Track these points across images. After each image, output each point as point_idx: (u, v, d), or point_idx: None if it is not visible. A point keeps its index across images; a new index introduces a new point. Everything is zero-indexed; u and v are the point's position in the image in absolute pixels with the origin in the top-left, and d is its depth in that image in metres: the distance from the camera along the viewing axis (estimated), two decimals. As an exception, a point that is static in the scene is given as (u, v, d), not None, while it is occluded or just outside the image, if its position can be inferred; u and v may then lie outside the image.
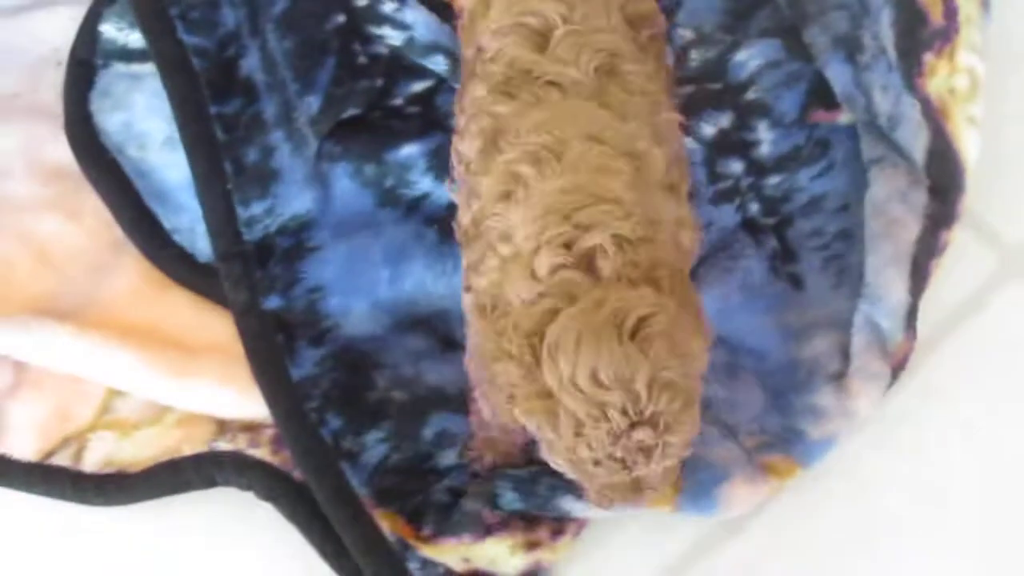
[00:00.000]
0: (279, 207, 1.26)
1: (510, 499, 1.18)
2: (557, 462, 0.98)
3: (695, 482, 1.17)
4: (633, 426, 0.89)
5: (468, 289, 1.05)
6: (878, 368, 1.19)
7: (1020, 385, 1.25)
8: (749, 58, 1.28)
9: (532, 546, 1.17)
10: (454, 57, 1.30)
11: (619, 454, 0.91)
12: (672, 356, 0.90)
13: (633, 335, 0.89)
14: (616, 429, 0.89)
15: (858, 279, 1.23)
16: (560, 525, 1.18)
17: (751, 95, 1.28)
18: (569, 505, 1.17)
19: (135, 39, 1.32)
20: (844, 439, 1.19)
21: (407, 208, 1.28)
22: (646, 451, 0.91)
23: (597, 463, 0.91)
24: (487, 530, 1.17)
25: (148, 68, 1.32)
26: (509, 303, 0.96)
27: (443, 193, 1.27)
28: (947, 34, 1.25)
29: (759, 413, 1.21)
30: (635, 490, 0.97)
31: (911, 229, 1.22)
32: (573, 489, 1.14)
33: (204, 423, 1.23)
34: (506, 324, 0.94)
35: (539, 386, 0.93)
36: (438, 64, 1.30)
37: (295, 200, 1.27)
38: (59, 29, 1.35)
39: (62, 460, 1.23)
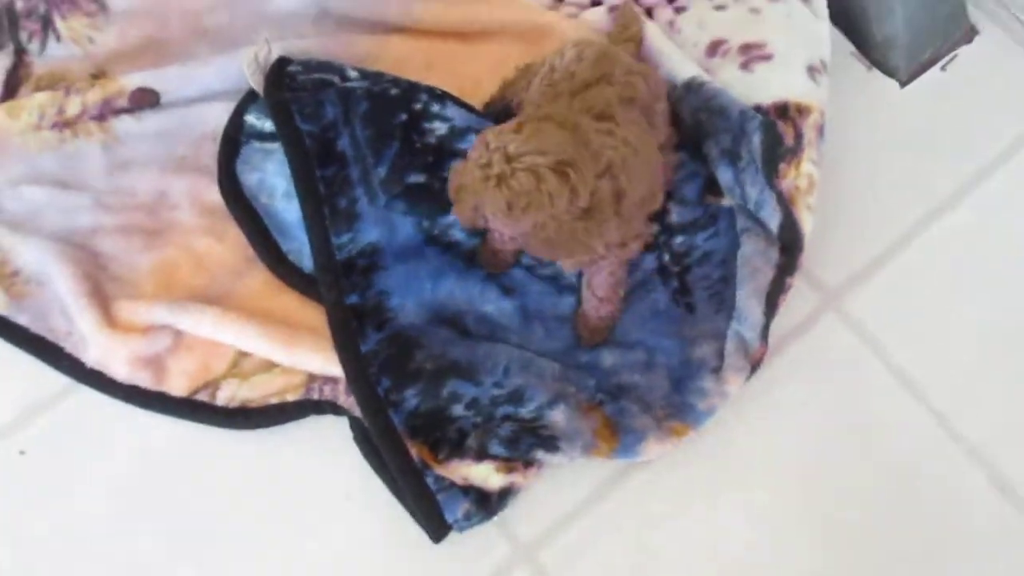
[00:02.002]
0: (358, 238, 1.33)
1: (497, 449, 1.24)
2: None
3: (624, 442, 1.24)
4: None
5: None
6: (742, 365, 1.27)
7: (828, 377, 1.31)
8: None
9: (510, 471, 1.24)
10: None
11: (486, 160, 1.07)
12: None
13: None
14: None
15: (731, 306, 1.30)
16: (530, 462, 1.25)
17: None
18: (540, 455, 1.23)
19: (268, 125, 1.40)
20: (720, 410, 1.27)
21: (445, 247, 1.35)
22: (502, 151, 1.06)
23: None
24: (480, 458, 1.24)
25: (276, 146, 1.39)
26: None
27: (469, 240, 1.34)
28: (796, 151, 1.32)
29: (666, 394, 1.29)
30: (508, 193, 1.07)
31: (767, 274, 1.29)
32: (543, 445, 1.23)
33: (299, 375, 1.31)
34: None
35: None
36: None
37: (369, 234, 1.33)
38: (217, 116, 1.43)
39: (202, 397, 1.31)
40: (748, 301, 1.29)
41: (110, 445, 1.31)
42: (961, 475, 1.28)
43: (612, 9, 1.43)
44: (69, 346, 1.33)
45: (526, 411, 1.27)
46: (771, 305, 1.29)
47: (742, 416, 1.30)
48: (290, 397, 1.30)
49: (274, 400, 1.30)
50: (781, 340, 1.33)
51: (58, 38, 1.48)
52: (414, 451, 1.25)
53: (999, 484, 1.27)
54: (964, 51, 1.50)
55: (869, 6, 1.45)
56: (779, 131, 1.31)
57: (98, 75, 1.47)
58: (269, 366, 1.32)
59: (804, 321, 1.35)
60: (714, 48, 1.39)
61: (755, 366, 1.28)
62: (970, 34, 1.51)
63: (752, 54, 1.36)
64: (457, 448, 1.25)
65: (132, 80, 1.43)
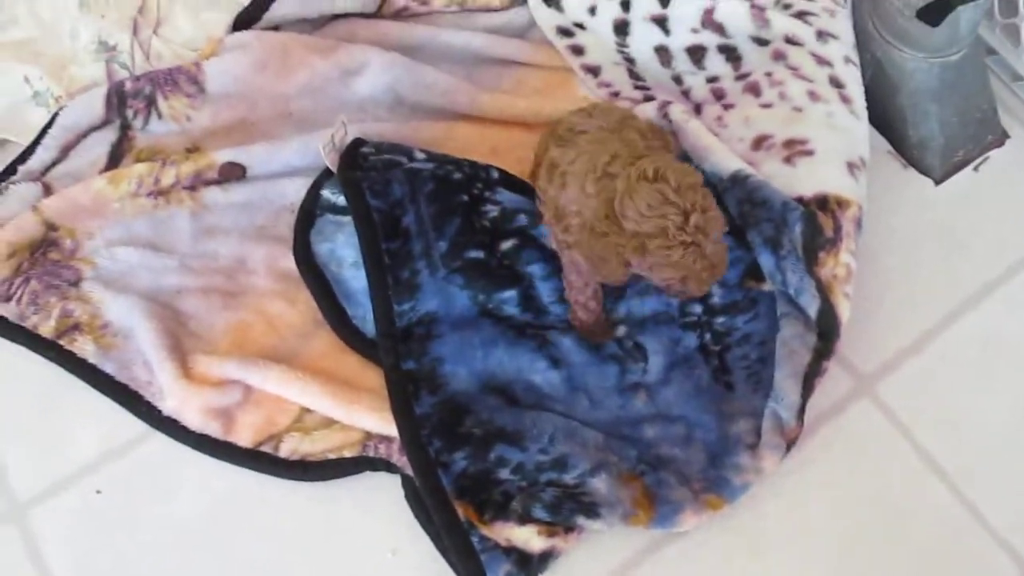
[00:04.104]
0: (418, 307, 1.30)
1: (540, 514, 1.18)
2: (662, 273, 1.08)
3: (661, 512, 1.19)
4: (686, 217, 1.03)
5: (562, 250, 1.21)
6: (778, 443, 1.21)
7: (859, 460, 1.25)
8: None
9: (551, 535, 1.18)
10: (530, 214, 1.33)
11: (688, 239, 1.04)
12: (684, 173, 1.04)
13: (655, 178, 1.05)
14: (678, 222, 1.03)
15: (769, 386, 1.24)
16: (571, 528, 1.19)
17: None
18: (581, 521, 1.18)
19: (341, 200, 1.37)
20: (754, 486, 1.21)
21: (498, 319, 1.31)
22: (701, 228, 1.04)
23: (682, 254, 1.05)
24: (523, 521, 1.19)
25: (347, 219, 1.36)
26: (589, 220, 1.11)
27: (522, 316, 1.31)
28: (834, 242, 1.25)
29: (703, 468, 1.22)
30: (711, 267, 1.09)
31: (804, 357, 1.23)
32: (584, 511, 1.18)
33: (357, 433, 1.26)
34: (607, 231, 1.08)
35: (627, 238, 1.07)
36: (521, 220, 1.33)
37: (428, 303, 1.30)
38: (295, 190, 1.42)
39: (266, 448, 1.27)
40: (785, 382, 1.23)
41: (178, 489, 1.28)
42: (988, 562, 1.20)
43: (663, 106, 1.40)
44: (148, 395, 1.31)
45: (569, 478, 1.22)
46: (807, 387, 1.23)
47: (775, 492, 1.23)
48: (347, 453, 1.26)
49: (332, 455, 1.26)
50: (815, 421, 1.26)
51: (159, 116, 1.48)
52: (461, 511, 1.19)
53: (1026, 571, 1.19)
54: (996, 154, 1.45)
55: (906, 109, 1.41)
56: (819, 222, 1.26)
57: (192, 149, 1.47)
58: (329, 423, 1.28)
59: (838, 404, 1.28)
60: (759, 143, 1.35)
61: (790, 444, 1.22)
62: (1002, 138, 1.46)
63: (795, 149, 1.32)
64: (502, 510, 1.20)
65: (222, 155, 1.43)
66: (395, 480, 1.25)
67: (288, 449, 1.27)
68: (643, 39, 1.48)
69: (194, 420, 1.29)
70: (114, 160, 1.47)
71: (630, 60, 1.50)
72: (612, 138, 1.19)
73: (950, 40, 1.35)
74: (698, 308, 1.31)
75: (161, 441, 1.30)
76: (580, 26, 1.51)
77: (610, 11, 1.49)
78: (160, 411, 1.30)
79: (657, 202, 1.04)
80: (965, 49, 1.36)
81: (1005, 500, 1.23)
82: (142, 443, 1.30)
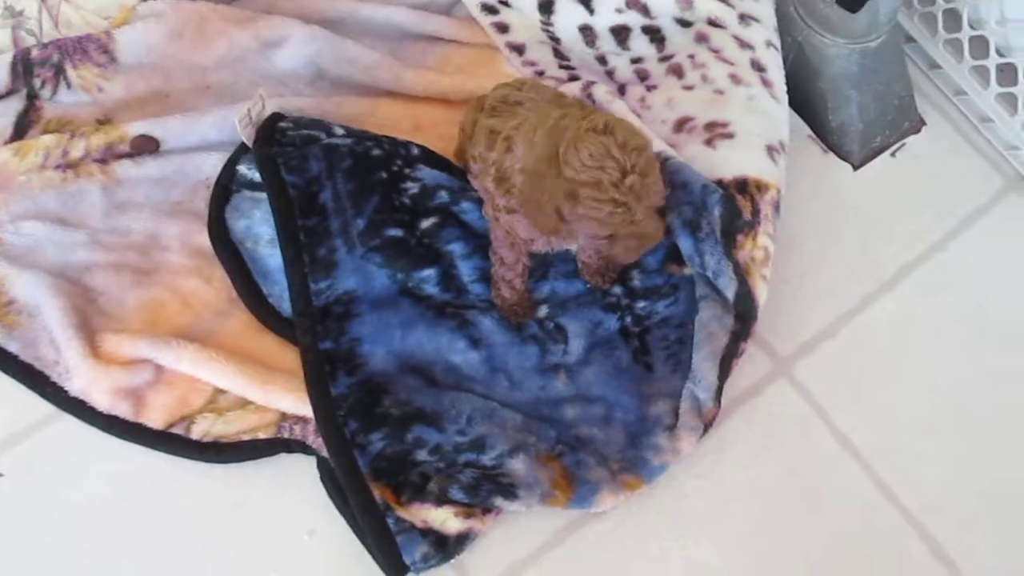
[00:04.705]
0: (336, 285, 1.26)
1: (458, 495, 1.16)
2: (589, 227, 1.05)
3: (579, 493, 1.18)
4: (623, 175, 1.01)
5: (497, 219, 1.17)
6: (695, 424, 1.20)
7: (776, 440, 1.24)
8: None
9: (468, 516, 1.17)
10: (452, 191, 1.30)
11: (620, 197, 1.01)
12: (632, 134, 1.01)
13: (604, 131, 1.02)
14: (613, 178, 1.00)
15: (687, 368, 1.23)
16: (489, 509, 1.18)
17: None
18: (498, 502, 1.16)
19: (258, 176, 1.32)
20: (672, 466, 1.21)
21: (417, 299, 1.28)
22: (636, 191, 1.01)
23: (611, 211, 1.01)
24: (440, 503, 1.17)
25: (264, 195, 1.31)
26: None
27: (441, 295, 1.28)
28: (753, 225, 1.25)
29: (622, 448, 1.22)
30: (641, 236, 1.05)
31: (722, 339, 1.23)
32: (502, 492, 1.16)
33: (272, 414, 1.23)
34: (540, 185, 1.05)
35: (563, 183, 1.04)
36: (442, 197, 1.30)
37: (346, 282, 1.26)
38: (211, 165, 1.36)
39: (178, 430, 1.23)
40: (703, 364, 1.22)
41: (86, 473, 1.23)
42: (901, 542, 1.21)
43: (587, 86, 1.37)
44: (55, 375, 1.25)
45: (487, 459, 1.20)
46: (724, 368, 1.23)
47: (694, 473, 1.23)
48: (262, 435, 1.22)
49: (246, 437, 1.22)
50: (733, 403, 1.27)
51: (69, 85, 1.41)
52: (377, 492, 1.17)
53: (936, 551, 1.20)
54: (913, 140, 1.46)
55: (827, 94, 1.40)
56: (738, 205, 1.25)
57: (104, 121, 1.40)
58: (244, 404, 1.24)
59: (756, 385, 1.29)
60: (680, 125, 1.33)
61: (707, 426, 1.22)
62: (918, 125, 1.47)
63: (716, 132, 1.31)
64: (419, 492, 1.18)
65: (135, 127, 1.37)
66: (311, 462, 1.22)
67: (201, 431, 1.23)
68: (567, 18, 1.45)
69: (103, 401, 1.23)
70: (20, 131, 1.39)
71: (555, 39, 1.47)
72: (552, 106, 1.17)
73: (870, 26, 1.34)
74: (618, 290, 1.29)
75: (68, 423, 1.25)
76: (505, 3, 1.48)
77: (535, -11, 1.46)
78: (67, 392, 1.25)
79: (599, 154, 1.02)
80: (884, 35, 1.36)
81: (918, 480, 1.24)
82: (48, 425, 1.25)
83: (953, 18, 1.44)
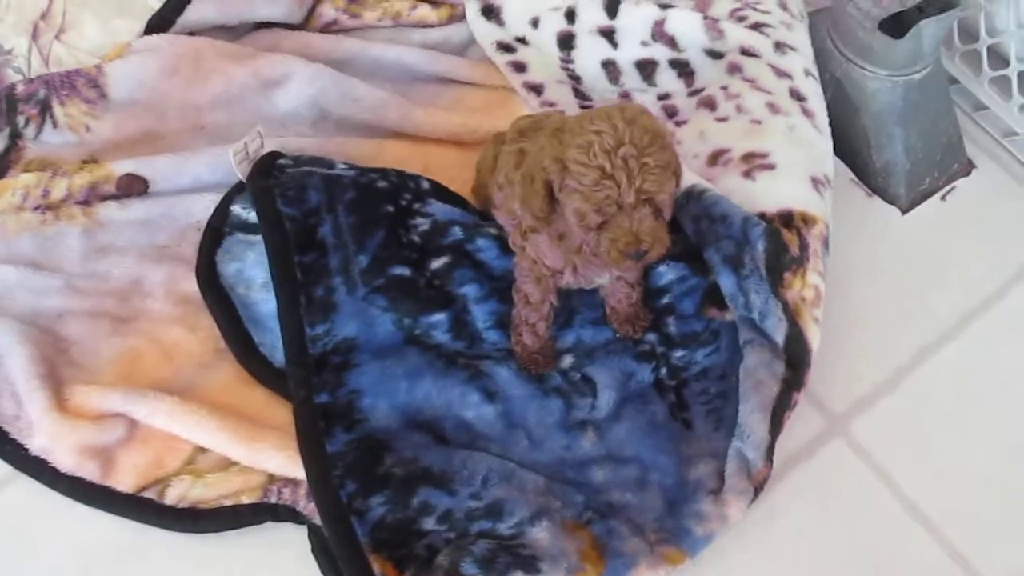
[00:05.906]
0: (334, 331, 1.13)
1: (471, 570, 1.01)
2: (573, 201, 0.92)
3: (612, 567, 1.02)
4: (618, 144, 0.88)
5: (523, 248, 1.05)
6: (744, 487, 1.06)
7: (835, 505, 1.10)
8: (667, 271, 1.14)
9: None
10: (466, 227, 1.18)
11: (607, 165, 0.88)
12: (649, 119, 0.90)
13: (619, 108, 0.92)
14: (605, 144, 0.88)
15: (731, 425, 1.08)
16: None
17: (665, 299, 1.15)
18: None
19: (253, 216, 1.20)
20: (718, 536, 1.05)
21: (425, 347, 1.14)
22: (627, 167, 0.88)
23: (595, 180, 0.88)
24: None
25: (258, 237, 1.19)
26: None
27: (453, 343, 1.15)
28: (801, 261, 1.12)
29: (660, 516, 1.07)
30: (633, 235, 0.91)
31: (772, 389, 1.08)
32: (522, 566, 1.00)
33: (258, 476, 1.09)
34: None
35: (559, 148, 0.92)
36: (455, 234, 1.18)
37: (345, 327, 1.13)
38: (204, 207, 1.25)
39: (150, 495, 1.08)
40: (751, 416, 1.07)
41: (45, 543, 1.08)
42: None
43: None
44: (14, 431, 1.11)
45: (505, 527, 1.03)
46: (776, 423, 1.08)
47: (741, 543, 1.08)
48: (245, 499, 1.07)
49: (228, 502, 1.07)
50: (785, 464, 1.12)
51: (55, 124, 1.29)
52: (377, 567, 1.02)
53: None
54: (963, 184, 1.33)
55: (869, 132, 1.28)
56: (784, 239, 1.12)
57: (89, 162, 1.28)
58: (227, 465, 1.10)
59: (809, 445, 1.14)
60: (715, 158, 1.21)
61: (758, 488, 1.07)
62: (968, 167, 1.34)
63: (755, 163, 1.18)
64: (425, 566, 1.02)
65: (121, 166, 1.24)
66: (301, 532, 1.07)
67: (176, 495, 1.08)
68: (589, 53, 1.36)
69: (66, 461, 1.09)
70: (-1, 172, 1.28)
71: (575, 77, 1.37)
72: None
73: (914, 55, 1.23)
74: (652, 337, 1.16)
75: (26, 486, 1.10)
76: (522, 41, 1.39)
77: (554, 23, 1.36)
78: (27, 450, 1.10)
79: (601, 120, 0.91)
80: (930, 66, 1.25)
81: (995, 548, 1.08)
82: (3, 488, 1.10)
83: (997, 56, 1.33)
